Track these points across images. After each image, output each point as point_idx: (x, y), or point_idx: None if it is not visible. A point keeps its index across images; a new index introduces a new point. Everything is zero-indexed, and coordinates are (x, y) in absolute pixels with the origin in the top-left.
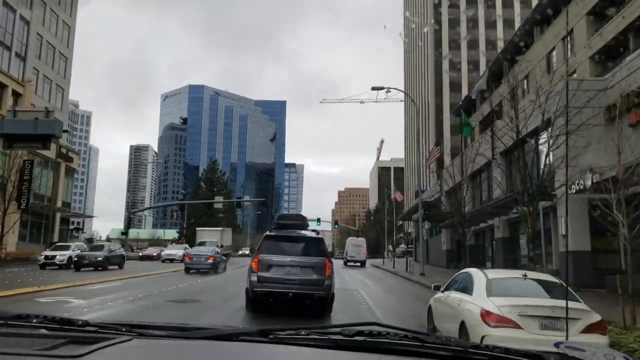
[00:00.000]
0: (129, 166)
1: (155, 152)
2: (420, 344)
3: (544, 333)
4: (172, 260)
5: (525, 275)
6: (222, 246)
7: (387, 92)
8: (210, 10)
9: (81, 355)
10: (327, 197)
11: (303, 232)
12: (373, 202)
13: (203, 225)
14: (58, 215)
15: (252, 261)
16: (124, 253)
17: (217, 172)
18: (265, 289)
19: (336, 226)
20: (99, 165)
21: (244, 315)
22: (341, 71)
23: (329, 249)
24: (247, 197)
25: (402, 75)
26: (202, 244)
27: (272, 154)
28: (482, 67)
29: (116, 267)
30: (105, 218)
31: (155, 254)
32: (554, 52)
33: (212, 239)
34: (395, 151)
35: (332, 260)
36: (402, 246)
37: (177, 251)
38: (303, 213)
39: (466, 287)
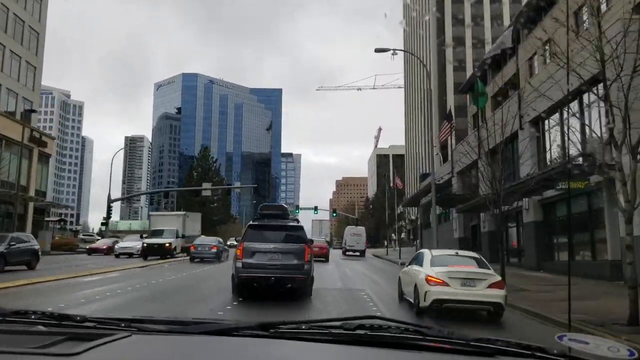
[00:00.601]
0: (124, 157)
1: (150, 143)
2: (421, 337)
3: (463, 289)
4: (130, 255)
5: (457, 253)
6: (184, 236)
7: (393, 54)
8: (203, 2)
9: (79, 353)
10: (325, 187)
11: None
12: (372, 190)
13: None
14: (31, 205)
15: (237, 249)
16: (37, 247)
17: (209, 159)
18: (250, 274)
19: (334, 215)
20: (96, 157)
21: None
22: (338, 61)
23: (327, 239)
24: (239, 185)
25: (401, 64)
26: (157, 232)
27: (269, 144)
28: (488, 46)
29: (24, 267)
30: (102, 210)
31: (105, 247)
32: None
33: (170, 226)
34: (393, 139)
35: (330, 249)
36: (403, 235)
37: (134, 244)
38: (300, 203)
39: (420, 261)
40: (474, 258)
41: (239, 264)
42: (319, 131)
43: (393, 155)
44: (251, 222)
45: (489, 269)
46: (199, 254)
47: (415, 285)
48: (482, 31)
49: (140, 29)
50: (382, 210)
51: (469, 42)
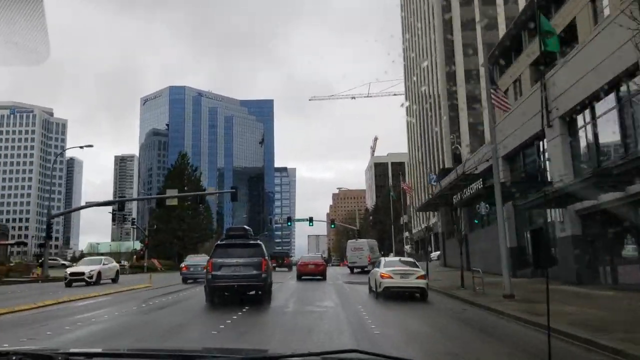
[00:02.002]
0: (114, 177)
1: (139, 161)
2: None
3: (401, 280)
4: (93, 283)
5: (400, 260)
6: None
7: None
8: (195, 17)
9: None
10: (321, 202)
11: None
12: (370, 202)
13: (170, 232)
14: None
15: (207, 264)
16: None
17: (188, 167)
18: (218, 283)
19: (332, 226)
20: (88, 178)
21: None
22: (332, 75)
23: (325, 254)
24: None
25: (395, 72)
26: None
27: (261, 157)
28: (502, 26)
29: None
30: (94, 232)
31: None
32: None
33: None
34: (390, 149)
35: (327, 265)
36: (407, 247)
37: (90, 268)
38: (296, 217)
39: (379, 266)
40: (410, 262)
41: (209, 276)
42: (313, 146)
43: (391, 163)
44: (218, 242)
45: (418, 267)
46: (190, 275)
47: (375, 280)
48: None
49: (130, 46)
50: (384, 220)
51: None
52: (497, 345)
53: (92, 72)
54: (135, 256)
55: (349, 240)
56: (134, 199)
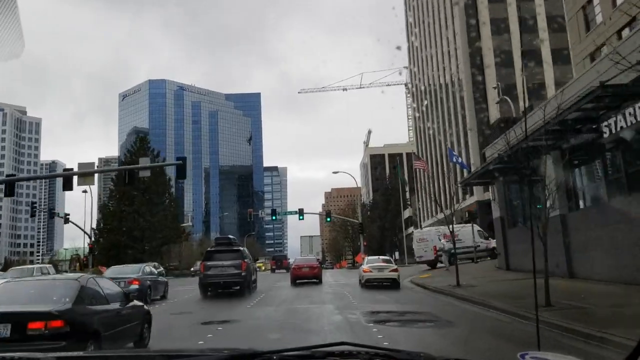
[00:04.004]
0: (98, 181)
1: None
2: None
3: (378, 273)
4: None
5: (379, 257)
6: None
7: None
8: (184, 15)
9: None
10: (314, 202)
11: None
12: (367, 197)
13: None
14: None
15: (200, 266)
16: None
17: (148, 153)
18: (208, 280)
19: (328, 220)
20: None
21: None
22: (324, 73)
23: (319, 256)
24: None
25: (391, 61)
26: None
27: (249, 155)
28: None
29: None
30: (79, 240)
31: None
32: None
33: None
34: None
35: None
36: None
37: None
38: (289, 218)
39: (364, 263)
40: (386, 259)
41: (202, 275)
42: (304, 146)
43: (388, 155)
44: (208, 249)
45: (392, 263)
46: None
47: (360, 274)
48: None
49: (116, 43)
50: (385, 214)
51: None
52: None
53: (77, 71)
54: (77, 263)
55: (415, 230)
56: (26, 178)
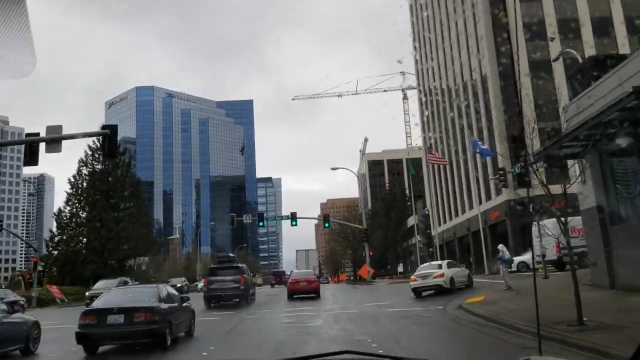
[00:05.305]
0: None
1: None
2: None
3: (423, 281)
4: None
5: (430, 263)
6: None
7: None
8: (179, 24)
9: None
10: (310, 214)
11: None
12: (366, 207)
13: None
14: None
15: (203, 281)
16: None
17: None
18: (211, 293)
19: (326, 225)
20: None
21: None
22: (319, 83)
23: (316, 270)
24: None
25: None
26: None
27: (242, 164)
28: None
29: None
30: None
31: None
32: None
33: None
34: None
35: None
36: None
37: None
38: (284, 230)
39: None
40: (437, 264)
41: (205, 289)
42: (299, 158)
43: (387, 160)
44: (211, 266)
45: (440, 268)
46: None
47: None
48: None
49: (109, 55)
50: (387, 222)
51: None
52: None
53: (67, 83)
54: (23, 281)
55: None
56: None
